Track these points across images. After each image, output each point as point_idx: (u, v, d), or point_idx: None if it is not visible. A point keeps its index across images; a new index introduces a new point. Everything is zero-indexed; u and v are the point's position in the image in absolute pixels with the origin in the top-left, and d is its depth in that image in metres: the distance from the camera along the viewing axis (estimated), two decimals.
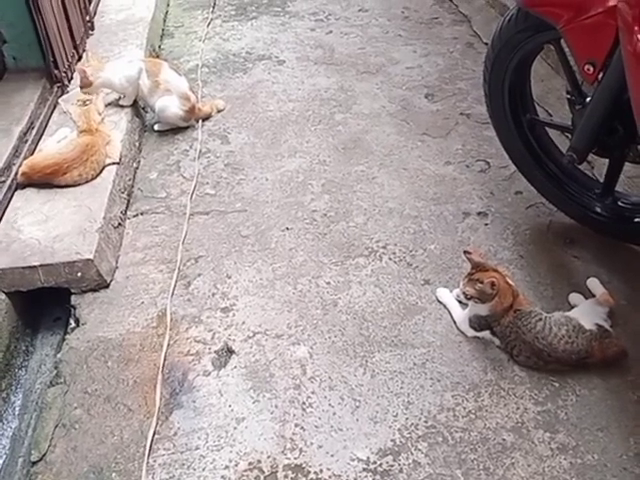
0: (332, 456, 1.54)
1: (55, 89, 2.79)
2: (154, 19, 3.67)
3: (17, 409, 1.82)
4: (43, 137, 2.55)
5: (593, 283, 1.89)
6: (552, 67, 2.99)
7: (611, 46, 1.63)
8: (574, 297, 1.88)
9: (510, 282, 1.75)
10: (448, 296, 1.91)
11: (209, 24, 3.87)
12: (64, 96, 2.77)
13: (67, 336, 1.90)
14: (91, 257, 1.97)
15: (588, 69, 1.71)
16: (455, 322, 1.84)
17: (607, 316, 1.75)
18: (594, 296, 1.84)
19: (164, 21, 3.94)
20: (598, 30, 1.65)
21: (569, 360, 1.67)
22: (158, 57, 3.30)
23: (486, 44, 3.29)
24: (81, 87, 2.64)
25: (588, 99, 1.84)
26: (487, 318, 1.76)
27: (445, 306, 1.90)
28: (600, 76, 1.72)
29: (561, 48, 1.89)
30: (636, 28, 1.49)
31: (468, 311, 1.82)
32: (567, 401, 1.64)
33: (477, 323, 1.79)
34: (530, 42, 1.96)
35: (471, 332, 1.80)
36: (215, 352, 1.82)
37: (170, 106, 2.73)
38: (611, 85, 1.71)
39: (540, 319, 1.70)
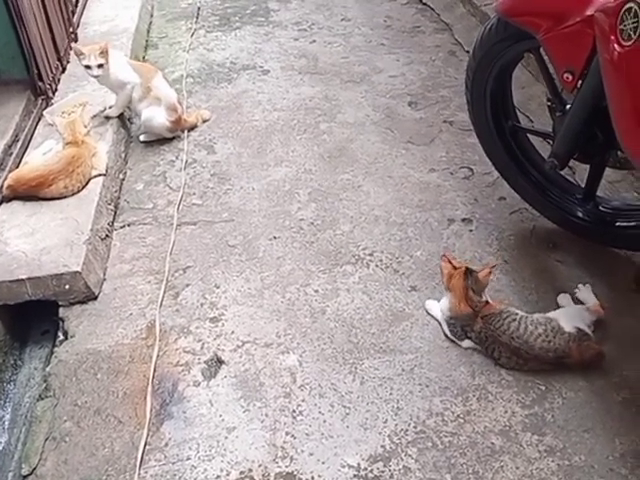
0: (323, 463, 1.55)
1: (40, 101, 2.79)
2: (138, 30, 3.67)
3: (6, 423, 1.82)
4: (28, 149, 2.54)
5: (585, 291, 1.91)
6: (532, 74, 3.04)
7: (589, 54, 1.67)
8: (562, 298, 1.92)
9: (468, 286, 1.78)
10: (436, 307, 1.92)
11: (193, 34, 3.88)
12: (49, 108, 2.76)
13: (56, 349, 1.90)
14: (79, 269, 1.97)
15: (567, 77, 1.75)
16: (445, 333, 1.86)
17: (591, 323, 1.78)
18: (584, 304, 1.87)
19: (148, 32, 3.94)
20: (576, 39, 1.68)
21: (546, 358, 1.70)
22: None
23: (468, 52, 3.34)
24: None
25: (568, 106, 1.87)
26: (455, 321, 1.80)
27: (435, 317, 1.92)
28: (579, 84, 1.75)
29: (541, 56, 1.93)
30: (612, 37, 1.53)
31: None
32: (554, 404, 1.67)
33: (455, 331, 1.82)
34: (510, 51, 2.00)
35: (466, 342, 1.82)
36: (205, 362, 1.82)
37: (157, 116, 2.74)
38: (590, 92, 1.74)
39: (514, 319, 1.74)
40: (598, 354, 1.72)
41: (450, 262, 1.82)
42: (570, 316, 1.77)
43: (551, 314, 1.79)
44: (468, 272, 1.78)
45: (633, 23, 1.47)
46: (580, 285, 1.94)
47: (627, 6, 1.49)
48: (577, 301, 1.90)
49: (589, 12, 1.61)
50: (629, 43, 1.49)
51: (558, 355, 1.70)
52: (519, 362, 1.72)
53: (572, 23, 1.67)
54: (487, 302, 1.77)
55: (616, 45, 1.52)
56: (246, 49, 3.68)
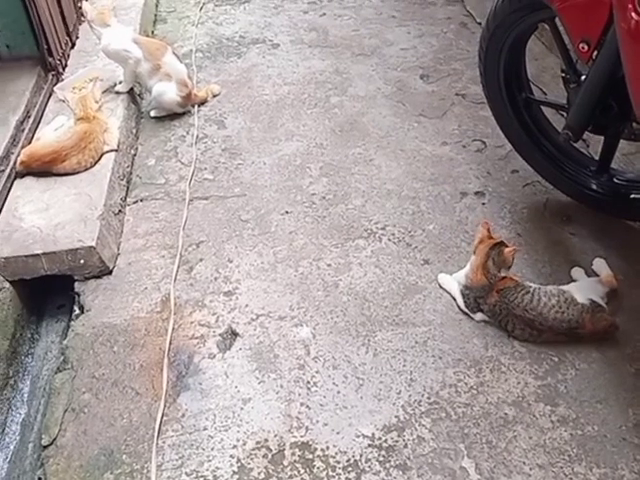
0: (338, 433, 1.57)
1: (50, 77, 2.78)
2: (146, 4, 3.64)
3: (25, 396, 1.85)
4: (40, 125, 2.54)
5: (599, 264, 1.90)
6: (546, 46, 3.00)
7: (605, 24, 1.64)
8: (576, 272, 1.92)
9: (488, 261, 1.77)
10: (450, 281, 1.92)
11: (201, 9, 3.85)
12: (59, 84, 2.76)
13: (72, 322, 1.92)
14: (93, 244, 1.99)
15: (583, 47, 1.72)
16: (459, 306, 1.87)
17: (605, 295, 1.78)
18: (598, 276, 1.86)
19: (156, 6, 3.91)
20: (592, 8, 1.66)
21: (560, 328, 1.71)
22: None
23: (479, 24, 3.31)
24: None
25: (583, 77, 1.85)
26: (469, 292, 1.81)
27: (447, 291, 1.92)
28: (595, 54, 1.73)
29: (556, 27, 1.90)
30: (630, 6, 1.50)
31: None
32: (567, 375, 1.68)
33: (468, 303, 1.82)
34: (525, 21, 1.97)
35: (479, 315, 1.82)
36: (220, 335, 1.84)
37: (167, 91, 2.73)
38: (606, 63, 1.72)
39: (527, 292, 1.74)
40: (611, 325, 1.73)
41: (488, 230, 1.81)
42: (583, 288, 1.77)
43: (565, 286, 1.79)
44: (498, 244, 1.76)
45: None
46: (596, 259, 1.93)
47: None
48: (592, 273, 1.89)
49: None
50: None
51: (571, 326, 1.70)
52: (533, 334, 1.73)
53: None
54: (504, 277, 1.76)
55: (633, 14, 1.50)
56: (255, 23, 3.65)
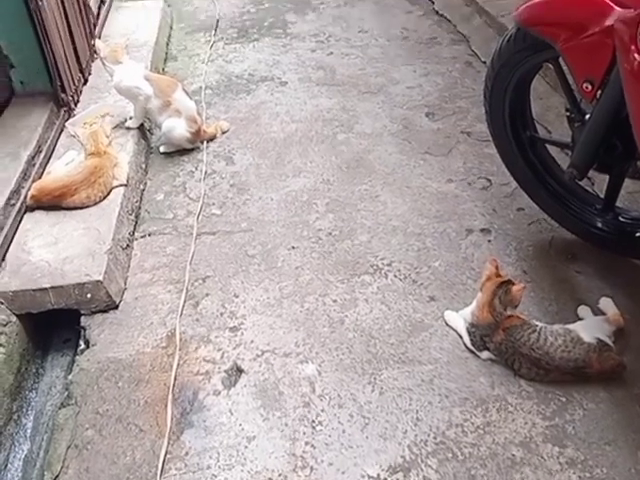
0: (343, 473, 1.56)
1: (62, 112, 2.83)
2: (157, 43, 3.73)
3: (28, 431, 1.84)
4: (51, 160, 2.58)
5: (606, 302, 1.90)
6: (551, 85, 3.03)
7: (609, 64, 1.67)
8: (582, 310, 1.91)
9: (494, 300, 1.76)
10: (456, 318, 1.92)
11: (212, 47, 3.93)
12: (71, 119, 2.81)
13: (77, 357, 1.92)
14: (100, 278, 2.00)
15: (586, 87, 1.75)
16: (465, 344, 1.86)
17: (612, 334, 1.77)
18: (604, 314, 1.86)
19: (167, 44, 4.00)
20: (596, 49, 1.68)
21: (567, 368, 1.69)
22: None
23: (485, 63, 3.36)
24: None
25: (587, 116, 1.87)
26: (475, 330, 1.80)
27: (454, 328, 1.91)
28: (598, 94, 1.75)
29: (560, 67, 1.93)
30: (633, 47, 1.53)
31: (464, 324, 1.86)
32: (574, 415, 1.66)
33: (475, 341, 1.81)
34: (529, 61, 2.00)
35: (485, 354, 1.81)
36: (225, 371, 1.84)
37: (177, 127, 2.77)
38: (609, 103, 1.74)
39: (534, 330, 1.73)
40: (619, 365, 1.71)
41: (496, 267, 1.81)
42: (590, 327, 1.76)
43: (571, 325, 1.78)
44: (505, 282, 1.76)
45: None
46: (602, 297, 1.92)
47: None
48: (598, 312, 1.89)
49: (608, 22, 1.61)
50: None
51: (578, 365, 1.69)
52: (540, 373, 1.72)
53: (591, 33, 1.67)
54: (510, 315, 1.76)
55: (636, 55, 1.52)
56: (264, 61, 3.72)
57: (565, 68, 1.86)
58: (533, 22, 1.87)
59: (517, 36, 1.95)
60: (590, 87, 1.74)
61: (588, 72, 1.73)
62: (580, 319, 1.86)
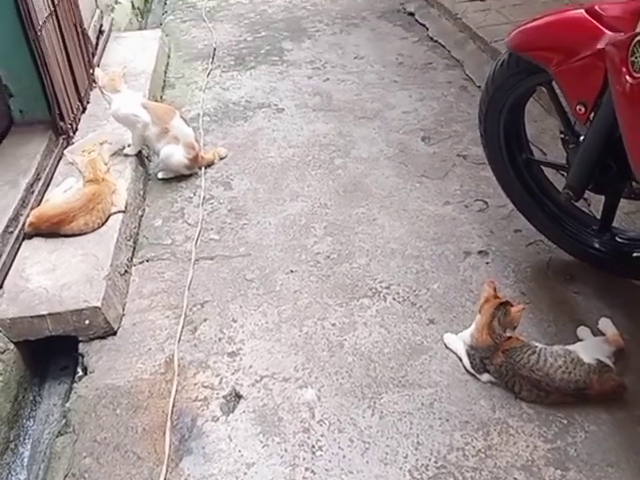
0: None
1: (61, 140, 2.85)
2: (155, 71, 3.77)
3: (25, 460, 1.82)
4: (49, 187, 2.59)
5: (605, 323, 1.89)
6: (545, 108, 3.07)
7: (601, 87, 1.69)
8: (582, 331, 1.90)
9: (493, 322, 1.76)
10: (455, 341, 1.91)
11: (209, 74, 3.97)
12: (70, 147, 2.83)
13: (75, 384, 1.91)
14: (98, 305, 1.99)
15: (580, 109, 1.77)
16: (465, 367, 1.85)
17: (612, 355, 1.77)
18: (604, 335, 1.85)
19: (165, 72, 4.04)
20: (588, 72, 1.71)
21: (567, 389, 1.69)
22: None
23: (479, 87, 3.39)
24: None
25: (581, 138, 1.89)
26: (475, 353, 1.79)
27: (453, 351, 1.91)
28: (592, 116, 1.77)
29: (553, 90, 1.96)
30: (624, 69, 1.56)
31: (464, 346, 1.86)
32: (576, 437, 1.64)
33: (474, 363, 1.80)
34: (522, 85, 2.02)
35: (485, 376, 1.80)
36: (223, 397, 1.82)
37: (175, 154, 2.79)
38: (603, 124, 1.76)
39: (533, 352, 1.73)
40: (619, 386, 1.70)
41: (494, 289, 1.81)
42: (590, 348, 1.76)
43: (571, 346, 1.78)
44: (503, 304, 1.76)
45: None
46: (601, 318, 1.92)
47: (637, 39, 1.52)
48: (598, 333, 1.88)
49: (600, 46, 1.65)
50: None
51: (579, 387, 1.68)
52: (540, 395, 1.71)
53: (583, 56, 1.70)
54: (509, 337, 1.75)
55: (628, 77, 1.55)
56: (261, 88, 3.76)
57: (558, 91, 1.88)
58: (525, 47, 1.90)
59: (510, 61, 1.98)
60: (583, 109, 1.76)
61: (581, 95, 1.76)
62: (580, 340, 1.86)
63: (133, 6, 4.99)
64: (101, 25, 4.08)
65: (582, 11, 1.73)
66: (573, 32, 1.75)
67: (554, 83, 1.88)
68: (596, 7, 1.71)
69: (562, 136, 1.98)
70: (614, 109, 1.63)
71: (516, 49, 1.93)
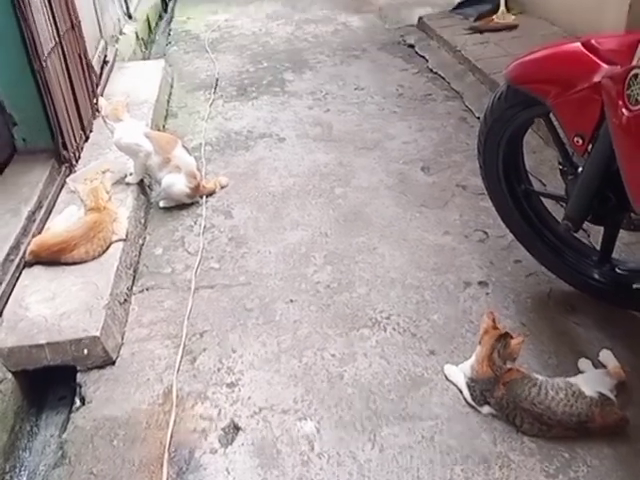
0: None
1: (63, 169, 2.87)
2: (158, 100, 3.81)
3: None
4: (51, 216, 2.60)
5: (606, 355, 1.88)
6: (543, 139, 3.10)
7: (598, 119, 1.71)
8: (583, 363, 1.89)
9: (493, 354, 1.75)
10: (456, 372, 1.90)
11: (211, 104, 4.02)
12: (72, 175, 2.84)
13: (72, 415, 1.89)
14: (97, 334, 1.99)
15: (577, 141, 1.78)
16: (466, 399, 1.83)
17: (613, 387, 1.75)
18: (605, 367, 1.84)
19: (168, 102, 4.09)
20: (585, 105, 1.73)
21: (570, 423, 1.67)
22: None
23: (478, 118, 3.42)
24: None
25: (579, 169, 1.90)
26: (475, 385, 1.78)
27: (454, 383, 1.89)
28: (589, 147, 1.79)
29: (550, 122, 1.98)
30: (620, 102, 1.58)
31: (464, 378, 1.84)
32: (579, 472, 1.62)
33: (475, 396, 1.79)
34: (520, 117, 2.04)
35: (486, 409, 1.78)
36: (222, 429, 1.80)
37: (177, 183, 2.81)
38: (600, 156, 1.78)
39: (534, 384, 1.72)
40: (621, 419, 1.69)
41: (493, 320, 1.80)
42: (591, 380, 1.74)
43: (572, 379, 1.77)
44: (503, 336, 1.75)
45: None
46: (602, 350, 1.91)
47: (633, 72, 1.54)
48: (599, 365, 1.87)
49: (596, 79, 1.67)
50: (637, 107, 1.54)
51: (581, 420, 1.66)
52: (542, 428, 1.69)
53: (580, 89, 1.72)
54: (510, 369, 1.74)
55: (624, 110, 1.57)
56: (263, 118, 3.80)
57: (556, 123, 1.90)
58: (523, 80, 1.92)
59: (508, 93, 2.00)
60: (581, 141, 1.78)
61: (578, 127, 1.77)
62: (581, 372, 1.84)
63: (137, 37, 5.08)
64: (105, 55, 4.14)
65: (578, 44, 1.75)
66: (570, 65, 1.77)
67: (552, 115, 1.90)
68: (592, 40, 1.73)
69: (560, 167, 2.00)
70: (611, 141, 1.65)
71: (514, 82, 1.95)
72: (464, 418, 1.79)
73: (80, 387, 1.97)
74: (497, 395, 1.73)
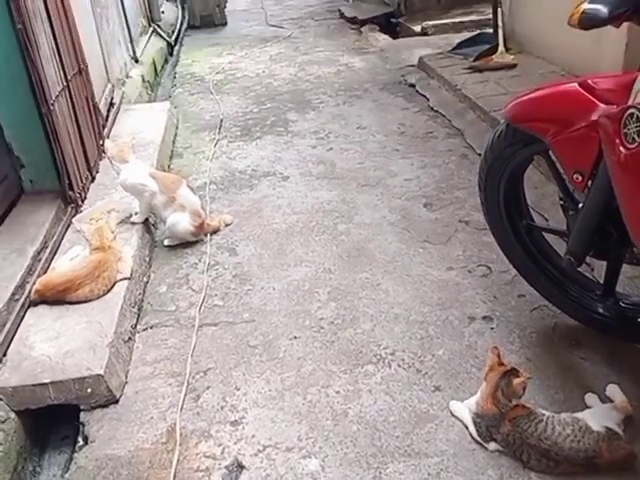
0: None
1: (69, 209, 2.91)
2: (164, 141, 3.88)
3: None
4: (57, 255, 2.62)
5: (613, 389, 1.87)
6: (544, 175, 3.12)
7: (596, 156, 1.73)
8: (589, 398, 1.87)
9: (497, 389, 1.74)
10: (461, 408, 1.88)
11: (216, 144, 4.09)
12: (78, 215, 2.88)
13: (75, 454, 1.88)
14: (101, 372, 1.99)
15: (577, 178, 1.80)
16: (472, 435, 1.82)
17: (621, 422, 1.73)
18: (612, 402, 1.83)
19: (173, 142, 4.16)
20: (583, 142, 1.75)
21: (577, 458, 1.65)
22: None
23: (479, 155, 3.45)
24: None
25: (580, 205, 1.91)
26: (481, 421, 1.76)
27: (459, 419, 1.88)
28: (589, 183, 1.81)
29: (550, 159, 2.00)
30: (617, 140, 1.60)
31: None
32: None
33: (481, 432, 1.77)
34: (520, 154, 2.07)
35: (492, 445, 1.77)
36: (225, 467, 1.79)
37: (181, 222, 2.85)
38: (600, 192, 1.79)
39: (541, 420, 1.70)
40: (630, 454, 1.66)
41: (499, 356, 1.79)
42: (598, 415, 1.73)
43: (579, 414, 1.75)
44: (507, 373, 1.74)
45: (636, 127, 1.54)
46: (609, 384, 1.89)
47: (629, 112, 1.57)
48: (605, 399, 1.85)
49: (594, 117, 1.70)
50: (634, 146, 1.56)
51: (588, 455, 1.64)
52: (549, 465, 1.67)
53: (578, 128, 1.75)
54: (516, 405, 1.73)
55: (621, 148, 1.59)
56: (266, 157, 3.85)
57: (555, 160, 1.92)
58: (522, 118, 1.96)
59: (507, 131, 2.03)
60: (580, 178, 1.80)
61: (577, 164, 1.80)
62: (588, 407, 1.83)
63: (143, 80, 5.19)
64: (112, 98, 4.23)
65: (575, 84, 1.79)
66: (568, 104, 1.80)
67: (551, 152, 1.93)
68: (589, 80, 1.77)
69: (561, 203, 2.01)
70: (610, 178, 1.67)
71: (513, 120, 1.99)
72: (470, 454, 1.77)
73: (83, 426, 1.96)
74: (503, 431, 1.71)
